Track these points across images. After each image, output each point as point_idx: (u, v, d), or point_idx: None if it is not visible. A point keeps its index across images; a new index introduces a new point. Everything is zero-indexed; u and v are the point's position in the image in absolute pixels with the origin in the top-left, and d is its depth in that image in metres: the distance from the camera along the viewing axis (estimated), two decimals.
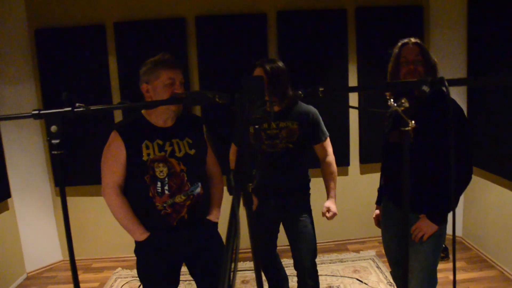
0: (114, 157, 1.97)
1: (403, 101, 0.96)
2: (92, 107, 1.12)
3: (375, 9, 3.85)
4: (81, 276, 3.80)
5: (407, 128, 0.98)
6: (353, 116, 4.04)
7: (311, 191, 2.65)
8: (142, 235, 2.00)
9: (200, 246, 2.11)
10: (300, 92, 1.14)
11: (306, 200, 2.61)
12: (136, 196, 2.02)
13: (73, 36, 3.70)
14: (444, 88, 0.87)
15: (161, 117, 2.01)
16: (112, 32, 3.73)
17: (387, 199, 2.33)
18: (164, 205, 1.98)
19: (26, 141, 3.82)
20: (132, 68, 3.66)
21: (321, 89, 1.11)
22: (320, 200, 2.85)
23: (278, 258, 2.88)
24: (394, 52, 2.10)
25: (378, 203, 2.46)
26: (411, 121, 0.96)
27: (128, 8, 3.73)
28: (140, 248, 2.07)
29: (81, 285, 3.64)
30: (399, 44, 2.09)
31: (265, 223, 2.61)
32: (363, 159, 4.07)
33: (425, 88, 0.92)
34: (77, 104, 1.11)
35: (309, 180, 2.64)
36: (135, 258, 2.12)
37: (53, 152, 1.13)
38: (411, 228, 2.07)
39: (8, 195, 3.65)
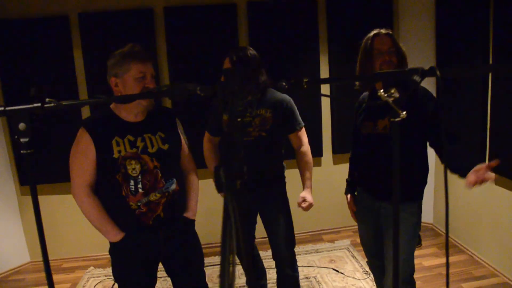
0: (82, 156, 1.86)
1: (392, 91, 0.94)
2: (64, 102, 1.05)
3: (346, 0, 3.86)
4: None
5: (397, 119, 0.96)
6: (325, 107, 4.05)
7: (286, 182, 2.62)
8: (117, 236, 1.91)
9: (177, 245, 2.04)
10: (284, 83, 1.10)
11: (282, 190, 2.59)
12: (108, 195, 1.92)
13: (34, 28, 3.52)
14: (436, 78, 0.86)
15: (131, 112, 1.91)
16: (77, 24, 3.58)
17: (362, 191, 2.33)
18: (139, 204, 1.89)
19: None
20: (99, 61, 3.53)
21: (305, 79, 1.07)
22: (296, 190, 2.84)
23: (256, 250, 2.86)
24: (366, 43, 2.08)
25: (347, 192, 2.45)
26: (402, 112, 0.94)
27: None
28: (115, 249, 1.98)
29: None
30: (371, 35, 2.07)
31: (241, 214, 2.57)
32: (336, 150, 4.10)
33: (417, 78, 0.91)
34: (47, 100, 1.04)
35: (284, 169, 2.61)
36: (108, 256, 2.04)
37: (22, 151, 1.05)
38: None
39: None
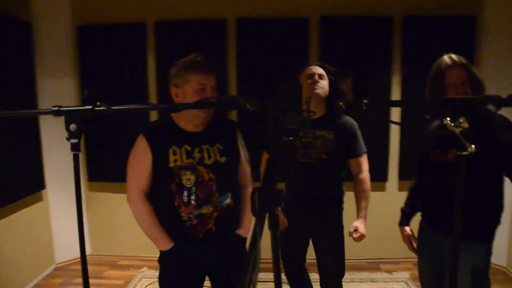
0: (139, 162, 1.87)
1: (461, 120, 0.82)
2: (113, 107, 1.06)
3: (423, 19, 3.66)
4: (107, 273, 3.80)
5: (464, 153, 0.84)
6: (394, 130, 3.85)
7: (345, 206, 2.50)
8: (166, 245, 1.90)
9: (226, 262, 1.98)
10: (341, 103, 1.02)
11: (338, 215, 2.47)
12: (161, 204, 1.91)
13: (114, 34, 3.73)
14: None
15: (191, 122, 1.88)
16: (153, 31, 3.73)
17: (424, 223, 2.15)
18: (190, 215, 1.86)
19: (64, 134, 3.86)
20: (171, 68, 3.67)
21: (365, 101, 0.99)
22: (354, 215, 2.70)
23: (306, 273, 2.74)
24: (437, 75, 1.89)
25: (403, 224, 2.26)
26: (471, 145, 0.82)
27: (169, 8, 3.72)
28: (164, 257, 1.96)
29: (105, 281, 3.67)
30: (442, 66, 1.86)
31: (295, 236, 2.49)
32: (402, 175, 3.87)
33: (491, 107, 0.79)
34: (98, 103, 1.05)
35: (343, 194, 2.49)
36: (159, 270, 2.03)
37: (72, 151, 1.07)
38: None
39: (42, 186, 3.71)
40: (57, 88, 3.74)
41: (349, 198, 2.51)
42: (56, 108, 1.05)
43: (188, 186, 1.85)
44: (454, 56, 1.87)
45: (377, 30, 3.69)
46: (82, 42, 3.76)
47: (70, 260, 4.00)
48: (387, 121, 3.68)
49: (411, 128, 3.78)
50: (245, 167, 2.10)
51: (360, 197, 2.40)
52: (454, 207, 1.88)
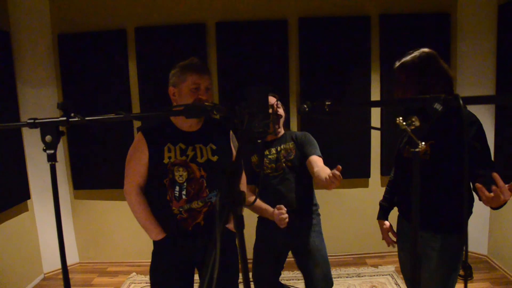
0: (137, 158, 1.99)
1: (413, 119, 0.88)
2: (87, 118, 1.10)
3: (400, 16, 3.74)
4: (96, 280, 3.81)
5: (417, 150, 0.89)
6: (375, 125, 3.92)
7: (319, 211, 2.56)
8: (158, 235, 2.00)
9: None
10: (305, 105, 1.06)
11: (317, 222, 2.51)
12: (155, 198, 2.02)
13: (94, 41, 3.74)
14: (459, 106, 0.79)
15: (186, 121, 2.01)
16: (133, 37, 3.75)
17: (401, 217, 2.21)
18: (180, 209, 1.97)
19: None
20: (152, 73, 3.68)
21: (327, 103, 1.03)
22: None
23: (281, 285, 2.75)
24: (394, 74, 1.98)
25: (381, 217, 2.31)
26: (421, 142, 0.87)
27: (149, 14, 3.74)
28: (156, 248, 2.07)
29: None
30: (394, 67, 1.96)
31: (273, 249, 2.51)
32: (385, 171, 3.94)
33: (437, 106, 0.84)
34: (72, 114, 1.09)
35: (315, 198, 2.56)
36: (150, 263, 2.10)
37: (49, 162, 1.10)
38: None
39: (27, 196, 3.70)
40: (39, 97, 3.75)
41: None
42: (31, 121, 1.08)
43: (180, 181, 1.96)
44: (405, 57, 1.92)
45: (355, 29, 3.76)
46: (62, 50, 3.76)
47: (58, 269, 3.99)
48: (368, 127, 3.74)
49: (390, 124, 3.86)
50: None
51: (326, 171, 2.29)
52: (423, 201, 1.94)
